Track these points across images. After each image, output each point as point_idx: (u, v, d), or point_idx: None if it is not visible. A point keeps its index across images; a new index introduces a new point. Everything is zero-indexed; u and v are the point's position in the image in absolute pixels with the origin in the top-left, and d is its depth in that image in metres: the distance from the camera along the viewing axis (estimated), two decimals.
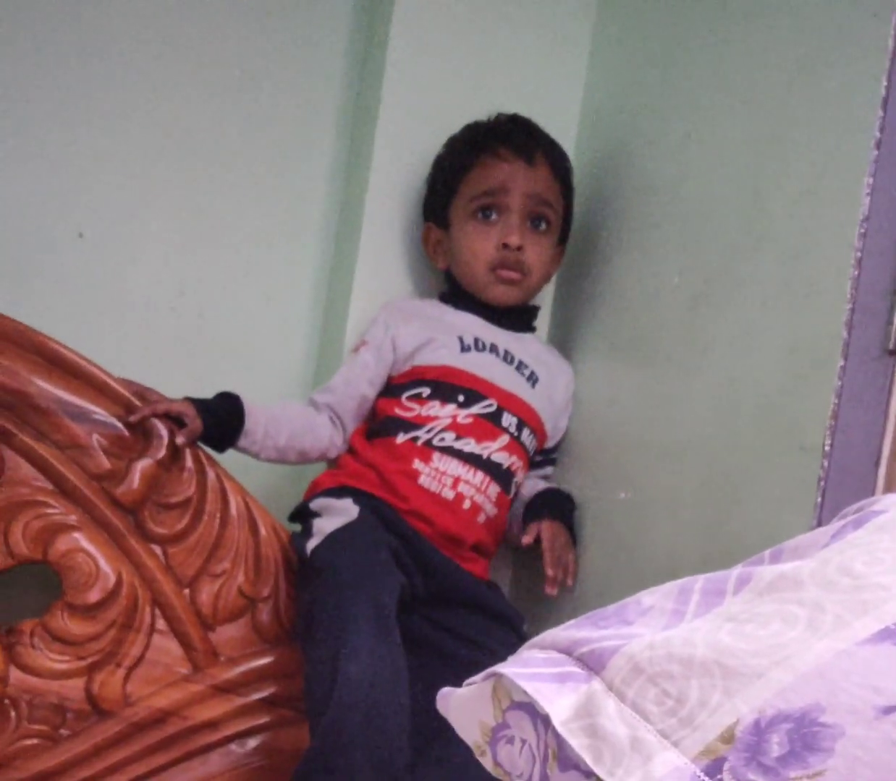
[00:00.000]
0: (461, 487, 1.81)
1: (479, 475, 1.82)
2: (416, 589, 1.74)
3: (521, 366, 1.90)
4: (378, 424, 1.87)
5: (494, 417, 1.85)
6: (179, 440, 1.74)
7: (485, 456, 1.83)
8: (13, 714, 1.68)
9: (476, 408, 1.84)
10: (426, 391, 1.85)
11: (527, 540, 1.81)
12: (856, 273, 1.39)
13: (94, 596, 1.72)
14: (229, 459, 1.83)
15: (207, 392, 1.83)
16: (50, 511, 1.73)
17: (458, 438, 1.82)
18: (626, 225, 1.90)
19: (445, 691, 0.89)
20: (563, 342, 2.00)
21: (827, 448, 1.38)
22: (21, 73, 1.98)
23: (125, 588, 1.73)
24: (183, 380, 1.91)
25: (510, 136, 1.91)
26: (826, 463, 1.38)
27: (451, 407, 1.83)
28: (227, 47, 2.09)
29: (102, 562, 1.73)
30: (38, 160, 1.99)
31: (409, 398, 1.85)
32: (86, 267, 2.01)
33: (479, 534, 1.83)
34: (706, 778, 0.69)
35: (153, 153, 2.05)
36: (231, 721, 1.75)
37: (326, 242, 2.11)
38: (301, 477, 1.94)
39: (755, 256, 1.58)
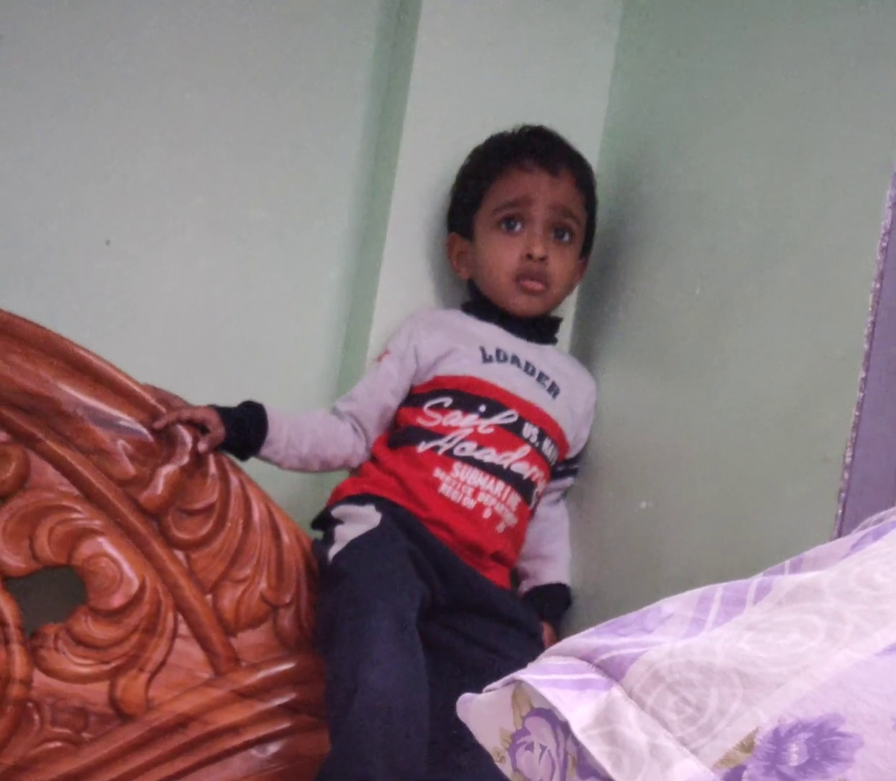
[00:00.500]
0: (481, 497, 1.81)
1: (500, 485, 1.82)
2: (437, 596, 1.75)
3: (542, 377, 1.91)
4: (400, 433, 1.87)
5: (515, 428, 1.85)
6: (201, 447, 1.76)
7: (505, 467, 1.83)
8: (37, 717, 1.69)
9: (497, 419, 1.85)
10: (448, 401, 1.85)
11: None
12: (878, 286, 1.39)
13: (117, 600, 1.72)
14: (252, 466, 1.83)
15: (230, 399, 1.83)
16: (75, 516, 1.74)
17: (479, 448, 1.83)
18: (649, 236, 1.90)
19: (466, 697, 0.89)
20: (585, 353, 2.00)
21: (848, 460, 1.38)
22: (45, 80, 1.99)
23: (148, 593, 1.74)
24: (206, 387, 1.92)
25: (535, 148, 1.92)
26: (847, 475, 1.37)
27: (472, 418, 1.84)
28: (253, 59, 2.10)
29: (126, 567, 1.74)
30: (64, 168, 2.00)
31: (431, 408, 1.85)
32: (112, 274, 2.02)
33: (499, 543, 1.83)
34: None
35: (178, 162, 2.07)
36: (252, 726, 1.75)
37: (350, 251, 2.12)
38: (323, 484, 1.95)
39: (777, 269, 1.59)
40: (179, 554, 1.77)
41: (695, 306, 1.74)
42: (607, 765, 0.73)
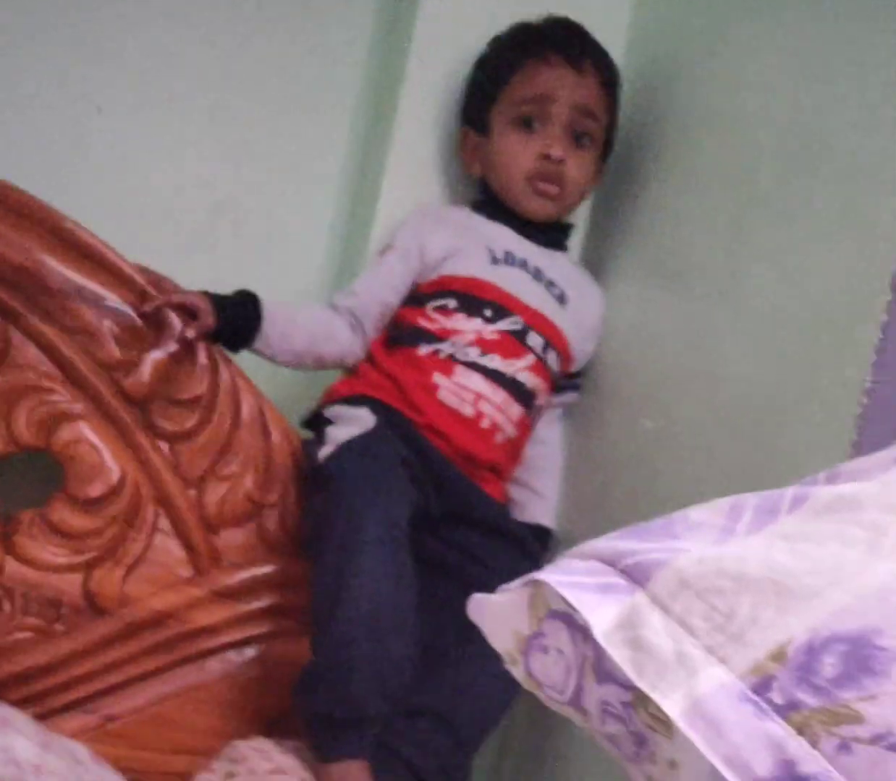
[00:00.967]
0: (482, 405, 1.79)
1: (502, 394, 1.80)
2: (430, 505, 1.74)
3: (550, 285, 1.88)
4: (400, 333, 1.84)
5: (521, 335, 1.83)
6: (189, 333, 1.72)
7: (509, 375, 1.81)
8: (8, 605, 1.67)
9: (503, 325, 1.82)
10: (452, 303, 1.82)
11: None
12: None
13: (96, 489, 1.71)
14: (245, 360, 1.81)
15: (224, 286, 1.80)
16: (55, 397, 1.72)
17: (482, 354, 1.80)
18: (671, 144, 1.87)
19: (479, 597, 0.89)
20: (596, 264, 1.97)
21: (868, 385, 1.37)
22: None
23: (129, 483, 1.72)
24: (199, 272, 1.88)
25: (560, 41, 1.87)
26: (865, 400, 1.36)
27: (477, 322, 1.81)
28: None
29: (107, 456, 1.72)
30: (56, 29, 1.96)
31: (435, 309, 1.83)
32: (106, 145, 1.99)
33: (496, 454, 1.82)
34: (754, 696, 0.68)
35: (177, 36, 2.03)
36: (230, 628, 1.75)
37: (356, 140, 2.08)
38: (317, 382, 1.92)
39: (808, 184, 1.56)
40: (163, 446, 1.75)
41: (716, 220, 1.71)
42: (629, 671, 0.73)
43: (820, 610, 0.70)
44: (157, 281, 1.75)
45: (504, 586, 0.87)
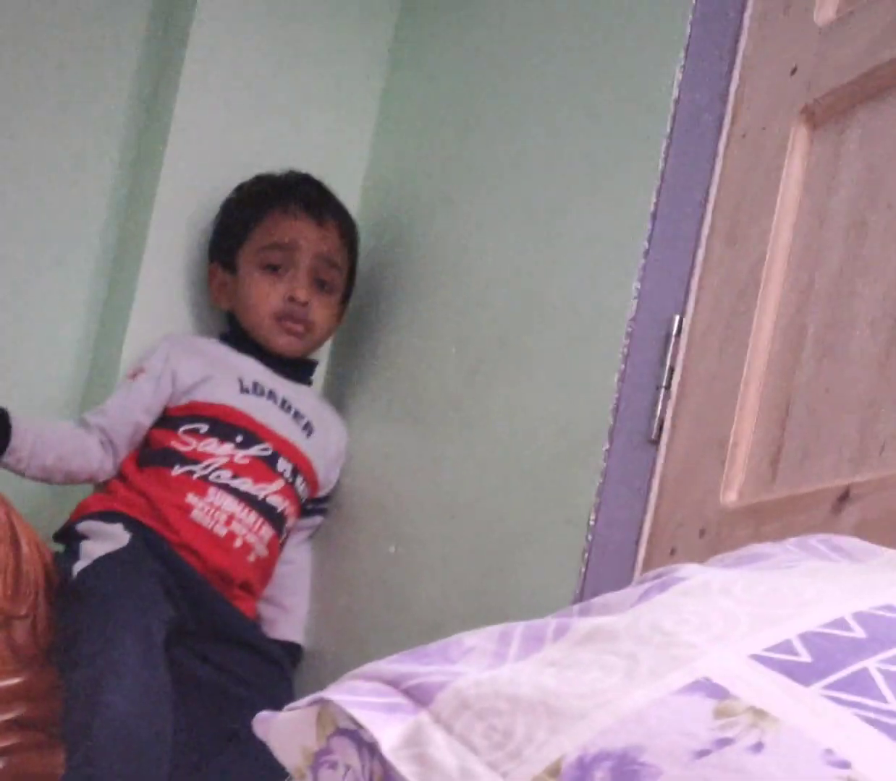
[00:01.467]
0: (234, 525, 1.81)
1: (254, 515, 1.83)
2: (185, 622, 1.73)
3: (297, 416, 1.92)
4: (153, 453, 1.85)
5: (270, 461, 1.86)
6: None
7: (261, 498, 1.84)
8: None
9: (253, 450, 1.85)
10: (204, 427, 1.85)
11: None
12: (623, 368, 1.46)
13: None
14: None
15: None
16: None
17: (234, 477, 1.83)
18: (407, 289, 1.95)
19: (265, 715, 0.90)
20: (338, 397, 2.03)
21: (592, 523, 1.45)
22: None
23: None
24: None
25: (302, 195, 1.95)
26: (591, 537, 1.44)
27: (228, 446, 1.84)
28: (12, 69, 2.08)
29: None
30: None
31: (187, 432, 1.84)
32: None
33: (248, 573, 1.83)
34: None
35: None
36: None
37: (105, 270, 2.09)
38: (66, 495, 1.90)
39: (531, 339, 1.65)
40: None
41: (451, 362, 1.79)
42: None
43: (588, 729, 0.75)
44: None
45: (291, 704, 0.89)
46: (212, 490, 1.81)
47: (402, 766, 0.79)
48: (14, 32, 2.08)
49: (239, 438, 1.85)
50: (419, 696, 0.84)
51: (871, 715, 0.73)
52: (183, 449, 1.83)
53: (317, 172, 2.01)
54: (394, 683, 0.86)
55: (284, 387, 1.94)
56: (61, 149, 2.10)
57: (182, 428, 1.85)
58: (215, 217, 2.00)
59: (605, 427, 1.45)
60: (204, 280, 2.00)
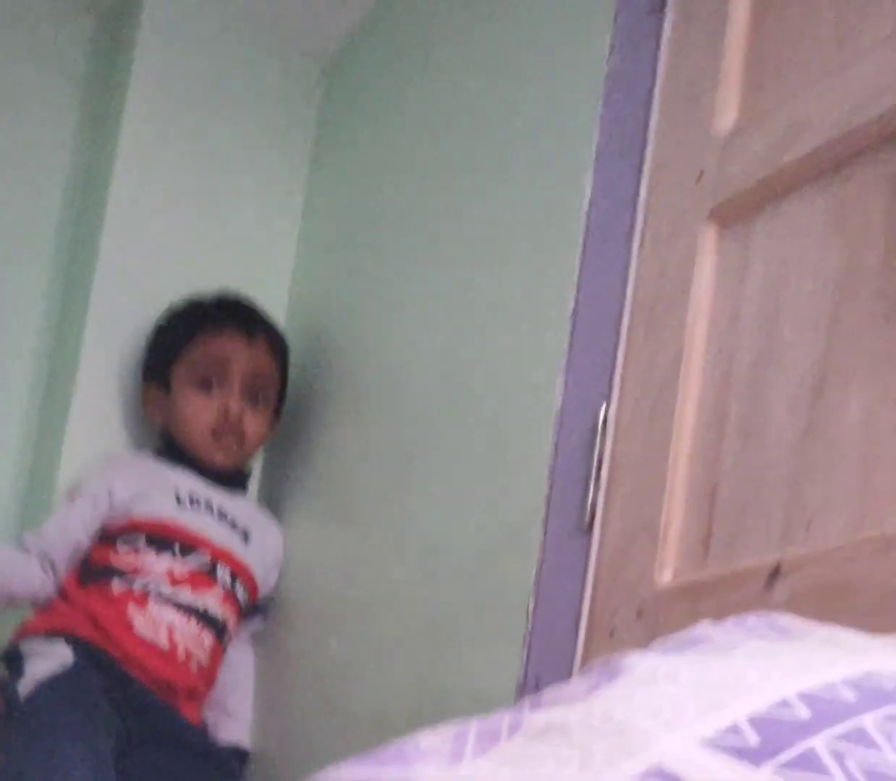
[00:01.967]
0: (176, 636, 1.80)
1: (194, 624, 1.82)
2: (131, 732, 1.72)
3: (235, 525, 1.93)
4: (92, 570, 1.84)
5: (210, 570, 1.87)
6: None
7: (200, 607, 1.83)
8: None
9: (192, 561, 1.86)
10: (142, 541, 1.84)
11: None
12: (553, 458, 1.48)
13: None
14: None
15: None
16: None
17: (173, 588, 1.82)
18: (337, 392, 1.98)
19: None
20: (273, 502, 2.05)
21: (531, 609, 1.45)
22: None
23: None
24: None
25: (233, 314, 1.99)
26: (530, 624, 1.45)
27: (167, 559, 1.84)
28: None
29: None
30: None
31: (125, 547, 1.84)
32: None
33: (192, 681, 1.82)
34: None
35: None
36: None
37: (37, 390, 2.10)
38: (5, 613, 1.88)
39: (460, 433, 1.66)
40: None
41: (380, 463, 1.81)
42: None
43: None
44: None
45: None
46: (152, 603, 1.80)
47: None
48: None
49: (177, 550, 1.85)
50: None
51: None
52: (122, 564, 1.83)
53: (243, 287, 2.05)
54: None
55: (220, 497, 1.95)
56: None
57: (121, 544, 1.85)
58: (148, 337, 2.02)
59: (539, 516, 1.47)
60: (137, 397, 2.02)
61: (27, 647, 1.76)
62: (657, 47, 1.42)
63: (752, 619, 1.05)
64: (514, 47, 1.74)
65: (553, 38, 1.64)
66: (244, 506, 1.98)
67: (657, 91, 1.41)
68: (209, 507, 1.92)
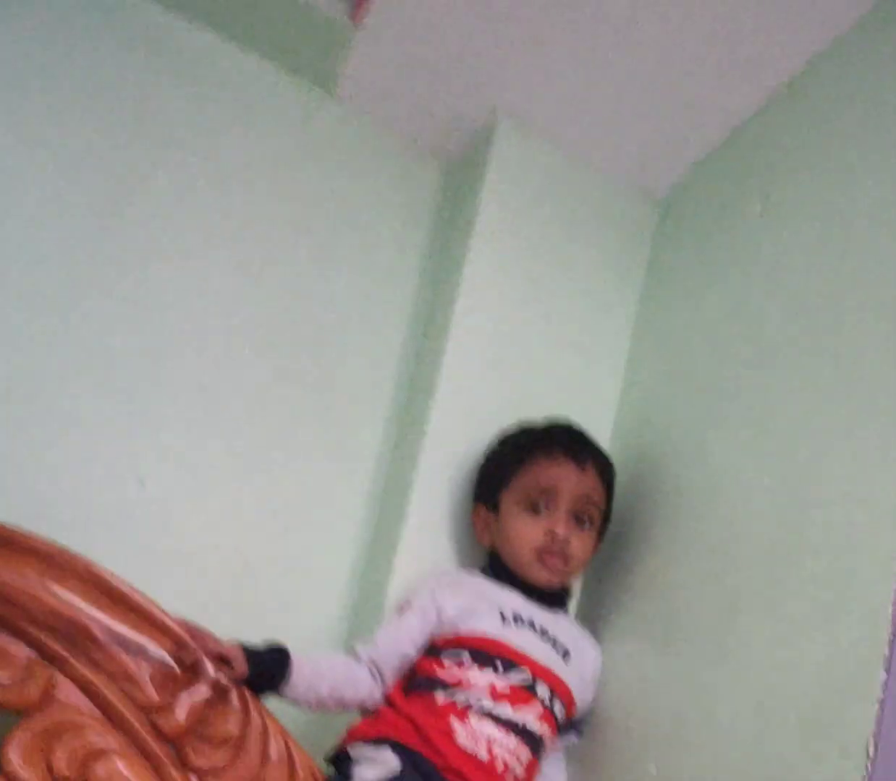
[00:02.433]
0: (496, 749, 1.82)
1: (513, 739, 1.84)
2: None
3: (556, 643, 1.95)
4: (418, 681, 1.88)
5: (530, 687, 1.88)
6: (223, 680, 1.74)
7: (520, 723, 1.85)
8: None
9: (513, 677, 1.88)
10: (467, 656, 1.88)
11: None
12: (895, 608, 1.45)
13: None
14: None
15: (247, 634, 1.83)
16: (93, 737, 1.70)
17: (495, 703, 1.84)
18: (660, 520, 1.98)
19: None
20: (592, 621, 2.05)
21: (871, 753, 1.41)
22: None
23: None
24: (226, 622, 1.91)
25: (564, 442, 2.03)
26: (870, 767, 1.40)
27: (489, 674, 1.86)
28: (290, 313, 2.21)
29: None
30: (103, 411, 2.06)
31: (451, 661, 1.88)
32: (146, 513, 2.06)
33: None
34: None
35: (212, 411, 2.14)
36: None
37: (372, 510, 2.19)
38: (333, 718, 1.94)
39: (793, 572, 1.64)
40: (194, 779, 1.73)
41: (709, 591, 1.79)
42: None
43: None
44: (195, 631, 1.77)
45: None
46: (473, 715, 1.83)
47: None
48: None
49: (500, 666, 1.88)
50: None
51: None
52: (447, 677, 1.86)
53: (570, 414, 2.10)
54: None
55: (543, 616, 1.97)
56: (333, 409, 2.22)
57: (446, 658, 1.88)
58: (480, 461, 2.09)
59: (881, 658, 1.43)
60: (466, 519, 2.08)
61: (355, 752, 1.81)
62: None
63: None
64: (857, 190, 1.74)
65: None
66: (565, 625, 2.00)
67: None
68: (532, 626, 1.94)
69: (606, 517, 2.05)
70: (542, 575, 1.98)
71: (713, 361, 2.00)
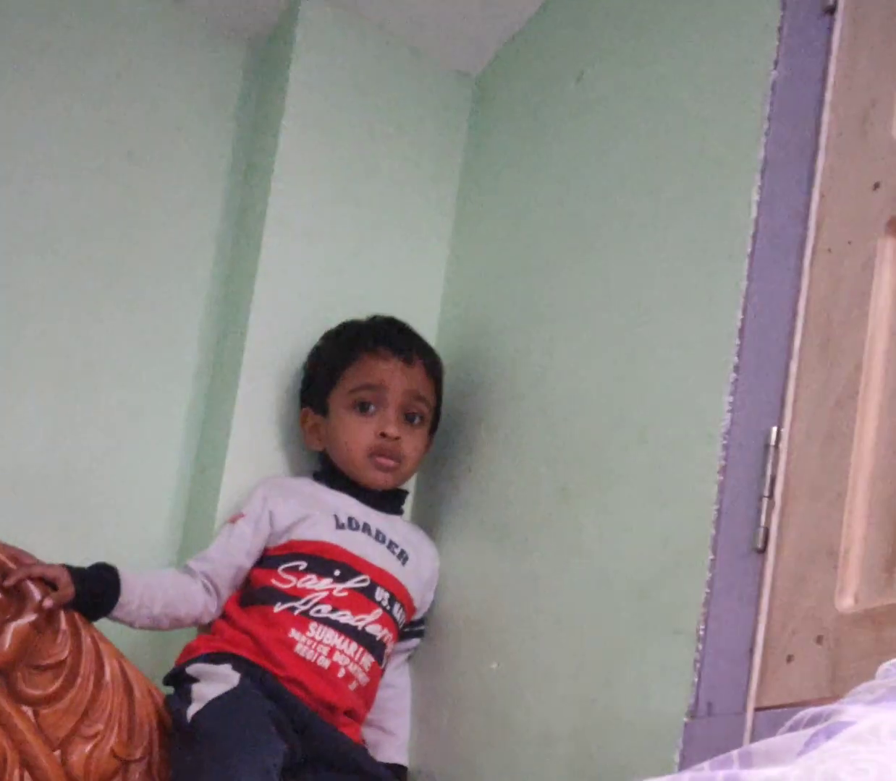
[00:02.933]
0: (336, 656, 1.76)
1: (354, 645, 1.78)
2: (297, 753, 1.69)
3: (391, 545, 1.89)
4: (254, 593, 1.81)
5: (368, 591, 1.82)
6: (47, 603, 1.64)
7: (360, 628, 1.79)
8: None
9: (351, 583, 1.81)
10: (303, 564, 1.81)
11: None
12: (721, 479, 1.40)
13: None
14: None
15: (72, 552, 1.74)
16: None
17: (334, 610, 1.79)
18: (490, 412, 1.91)
19: None
20: (428, 522, 1.99)
21: (701, 633, 1.38)
22: None
23: None
24: (49, 540, 1.83)
25: (390, 338, 1.94)
26: (700, 647, 1.38)
27: (327, 581, 1.80)
28: (99, 231, 2.07)
29: None
30: None
31: (286, 570, 1.81)
32: None
33: (352, 701, 1.79)
34: None
35: (29, 323, 2.01)
36: None
37: (198, 414, 2.08)
38: (169, 637, 1.86)
39: (622, 459, 1.59)
40: (27, 710, 1.64)
41: (541, 481, 1.73)
42: None
43: None
44: (17, 554, 1.68)
45: None
46: (313, 624, 1.77)
47: None
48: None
49: (337, 572, 1.82)
50: None
51: None
52: (283, 586, 1.80)
53: (394, 310, 2.00)
54: None
55: (378, 519, 1.91)
56: (149, 306, 2.09)
57: (282, 567, 1.81)
58: (304, 363, 1.99)
59: (708, 538, 1.39)
60: (294, 423, 1.98)
61: (193, 669, 1.73)
62: (828, 50, 1.33)
63: None
64: (672, 57, 1.65)
65: (715, 43, 1.55)
66: (400, 528, 1.94)
67: (828, 96, 1.32)
68: (368, 529, 1.88)
69: (436, 414, 1.97)
70: (376, 477, 1.91)
71: (533, 247, 1.91)
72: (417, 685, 1.92)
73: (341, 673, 1.77)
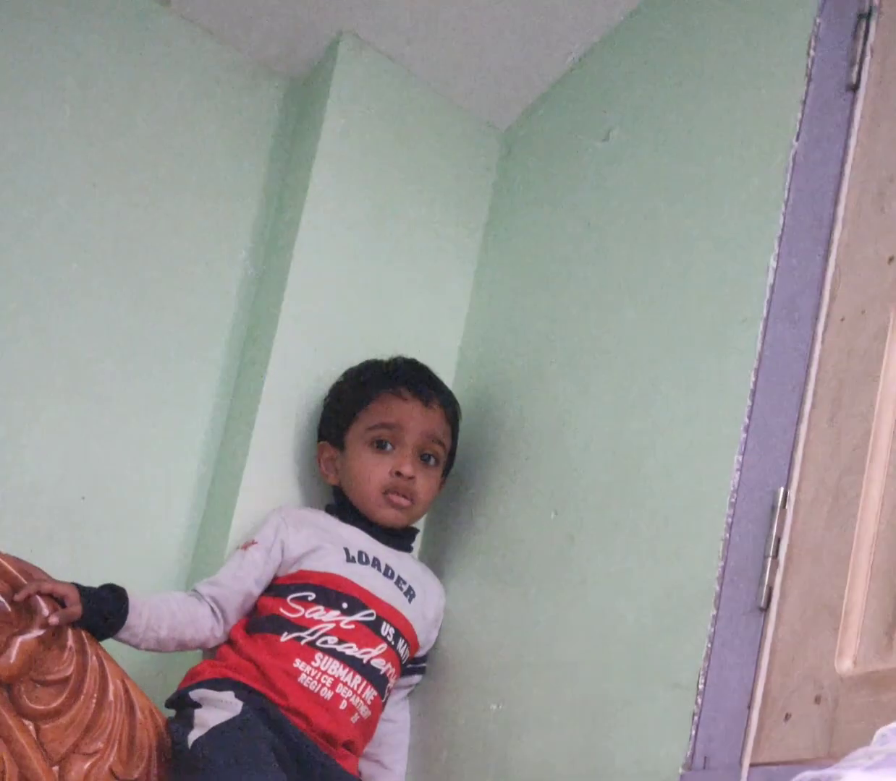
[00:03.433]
0: (339, 688, 1.76)
1: (358, 678, 1.78)
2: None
3: (399, 582, 1.90)
4: (261, 621, 1.81)
5: (374, 626, 1.82)
6: (52, 620, 1.64)
7: (365, 661, 1.79)
8: None
9: (358, 616, 1.82)
10: (312, 595, 1.81)
11: None
12: (727, 537, 1.42)
13: None
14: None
15: (85, 572, 1.75)
16: None
17: (340, 642, 1.79)
18: (503, 457, 1.93)
19: None
20: (436, 561, 2.00)
21: (700, 686, 1.38)
22: None
23: None
24: (63, 560, 1.85)
25: (411, 379, 1.96)
26: (699, 701, 1.38)
27: (334, 613, 1.80)
28: (127, 261, 2.08)
29: None
30: None
31: (295, 599, 1.81)
32: None
33: (352, 733, 1.78)
34: None
35: (47, 352, 2.02)
36: None
37: (212, 446, 2.09)
38: (174, 660, 1.86)
39: (629, 510, 1.60)
40: (29, 724, 1.64)
41: (548, 529, 1.74)
42: None
43: None
44: (28, 570, 1.69)
45: None
46: (319, 655, 1.77)
47: None
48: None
49: (345, 605, 1.82)
50: None
51: None
52: (292, 616, 1.80)
53: (414, 353, 2.02)
54: None
55: (387, 555, 1.92)
56: (173, 334, 2.10)
57: (290, 596, 1.82)
58: (325, 398, 2.00)
59: (712, 593, 1.40)
60: (310, 456, 1.99)
61: (196, 694, 1.73)
62: (849, 126, 1.35)
63: None
64: (698, 123, 1.68)
65: (740, 114, 1.58)
66: (409, 565, 1.95)
67: (847, 170, 1.34)
68: (377, 564, 1.89)
69: (451, 455, 1.99)
70: (389, 514, 1.92)
71: (552, 298, 1.93)
72: (416, 721, 1.92)
73: (343, 706, 1.77)
